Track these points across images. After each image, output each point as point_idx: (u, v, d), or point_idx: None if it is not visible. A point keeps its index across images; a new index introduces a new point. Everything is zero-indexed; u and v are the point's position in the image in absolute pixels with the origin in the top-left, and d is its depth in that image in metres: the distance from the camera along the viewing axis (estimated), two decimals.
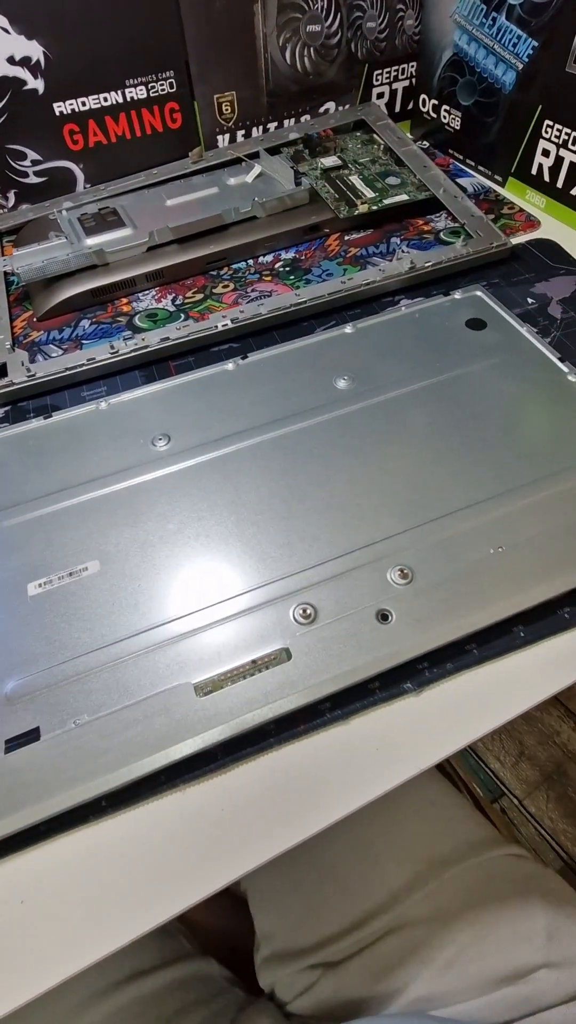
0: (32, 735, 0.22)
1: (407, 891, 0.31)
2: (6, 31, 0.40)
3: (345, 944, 0.31)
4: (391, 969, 0.30)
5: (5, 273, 0.43)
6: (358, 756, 0.22)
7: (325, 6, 0.47)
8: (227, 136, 0.51)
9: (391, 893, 0.31)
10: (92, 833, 0.21)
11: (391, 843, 0.33)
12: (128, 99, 0.46)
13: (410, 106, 0.57)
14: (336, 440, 0.32)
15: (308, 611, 0.25)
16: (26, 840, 0.21)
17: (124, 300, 0.42)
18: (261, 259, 0.45)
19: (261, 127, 0.52)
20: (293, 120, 0.53)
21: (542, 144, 0.45)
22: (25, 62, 0.42)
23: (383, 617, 0.25)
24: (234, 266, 0.45)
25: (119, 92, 0.46)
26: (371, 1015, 0.28)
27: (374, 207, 0.45)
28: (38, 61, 0.42)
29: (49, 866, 0.21)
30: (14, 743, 0.22)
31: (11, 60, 0.42)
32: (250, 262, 0.45)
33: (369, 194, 0.46)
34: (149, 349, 0.37)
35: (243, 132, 0.52)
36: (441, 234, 0.45)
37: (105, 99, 0.46)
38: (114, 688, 0.23)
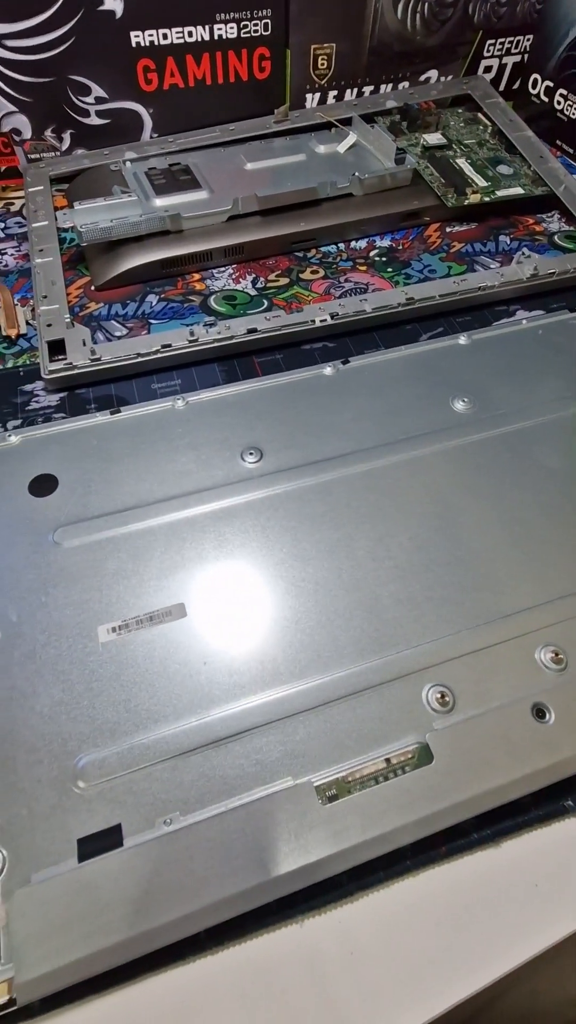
0: (113, 836, 0.18)
1: None
2: None
3: None
4: None
5: (58, 229, 0.37)
6: (513, 892, 0.18)
7: None
8: (317, 96, 0.45)
9: None
10: (188, 973, 0.17)
11: None
12: (215, 37, 0.40)
13: (515, 85, 0.51)
14: (458, 476, 0.27)
15: (446, 696, 0.21)
16: (107, 981, 0.16)
17: (196, 276, 0.37)
18: (353, 244, 0.39)
19: (356, 89, 0.46)
20: (390, 86, 0.47)
21: None
22: None
23: (539, 713, 0.20)
24: (322, 249, 0.39)
25: (206, 27, 0.39)
26: None
27: (486, 198, 0.40)
28: None
29: (134, 1017, 0.16)
30: (91, 846, 0.18)
31: None
32: (341, 246, 0.39)
33: (480, 182, 0.40)
34: (234, 340, 0.32)
35: (335, 93, 0.45)
36: (555, 237, 0.40)
37: (190, 33, 0.39)
38: (212, 780, 0.19)
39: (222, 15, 0.39)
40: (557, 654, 0.22)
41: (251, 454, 0.27)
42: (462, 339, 0.33)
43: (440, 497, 0.26)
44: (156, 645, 0.22)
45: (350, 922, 0.18)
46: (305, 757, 0.19)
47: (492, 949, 0.17)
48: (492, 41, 0.47)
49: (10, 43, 0.36)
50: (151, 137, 0.43)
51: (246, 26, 0.40)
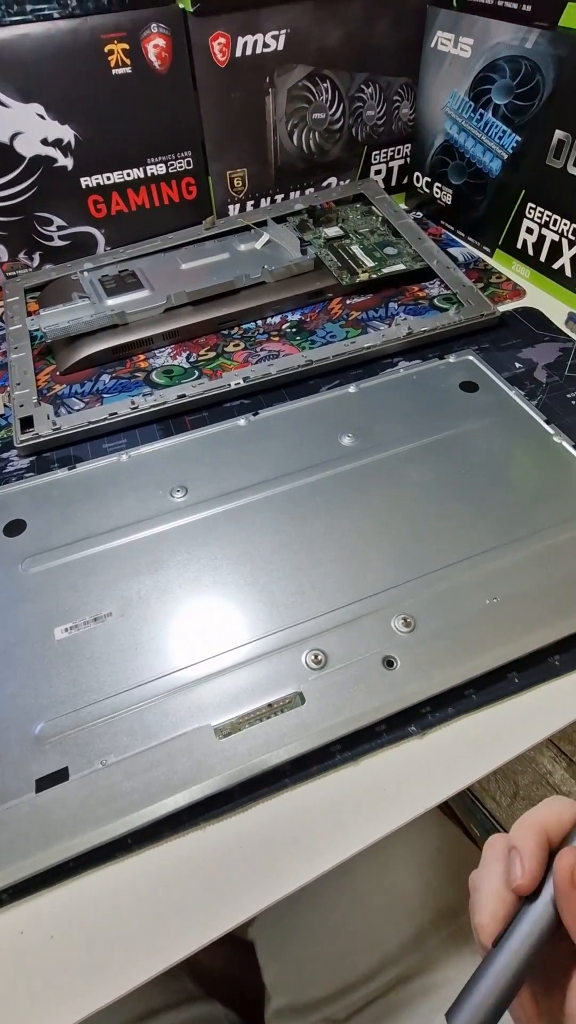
0: (61, 775, 0.24)
1: (420, 940, 0.32)
2: (41, 117, 0.44)
3: (359, 995, 0.31)
4: (407, 1017, 0.30)
5: (30, 330, 0.46)
6: (369, 796, 0.24)
7: (329, 97, 0.53)
8: (238, 206, 0.56)
9: (403, 943, 0.32)
10: (118, 870, 0.22)
11: (401, 894, 0.34)
12: (148, 175, 0.50)
13: (405, 180, 0.62)
14: (342, 494, 0.34)
15: (319, 657, 0.27)
16: (56, 876, 0.22)
17: (142, 356, 0.46)
18: (269, 320, 0.48)
19: (269, 198, 0.56)
20: (298, 192, 0.58)
21: (526, 223, 0.49)
22: (57, 143, 0.46)
23: (388, 663, 0.27)
24: (244, 326, 0.48)
25: (141, 168, 0.50)
26: None
27: (374, 275, 0.49)
28: (69, 142, 0.46)
29: (78, 902, 0.22)
30: (45, 783, 0.24)
31: (44, 141, 0.46)
32: (259, 323, 0.48)
33: (369, 263, 0.50)
34: (167, 405, 0.40)
35: (252, 203, 0.56)
36: (435, 300, 0.49)
37: (128, 174, 0.50)
38: (138, 730, 0.25)
39: (152, 159, 0.50)
40: (406, 620, 0.28)
41: (178, 491, 0.35)
42: (351, 388, 0.41)
43: (327, 511, 0.33)
44: (99, 639, 0.28)
45: (241, 826, 0.23)
46: (208, 709, 0.26)
47: (357, 831, 0.23)
48: (378, 152, 0.59)
49: None
50: (105, 250, 0.53)
51: (172, 164, 0.51)
